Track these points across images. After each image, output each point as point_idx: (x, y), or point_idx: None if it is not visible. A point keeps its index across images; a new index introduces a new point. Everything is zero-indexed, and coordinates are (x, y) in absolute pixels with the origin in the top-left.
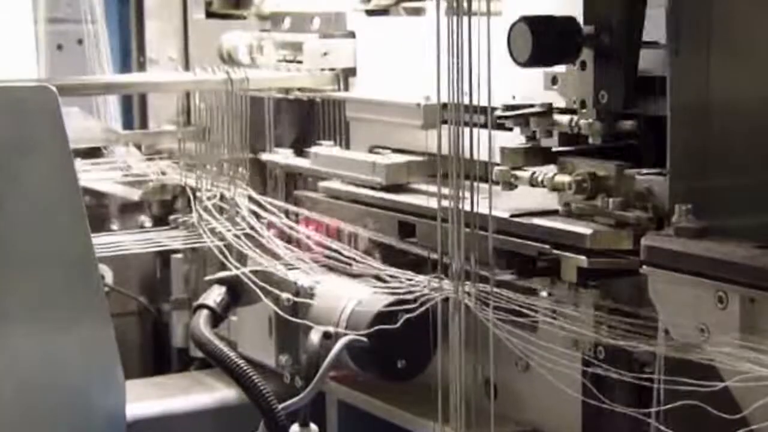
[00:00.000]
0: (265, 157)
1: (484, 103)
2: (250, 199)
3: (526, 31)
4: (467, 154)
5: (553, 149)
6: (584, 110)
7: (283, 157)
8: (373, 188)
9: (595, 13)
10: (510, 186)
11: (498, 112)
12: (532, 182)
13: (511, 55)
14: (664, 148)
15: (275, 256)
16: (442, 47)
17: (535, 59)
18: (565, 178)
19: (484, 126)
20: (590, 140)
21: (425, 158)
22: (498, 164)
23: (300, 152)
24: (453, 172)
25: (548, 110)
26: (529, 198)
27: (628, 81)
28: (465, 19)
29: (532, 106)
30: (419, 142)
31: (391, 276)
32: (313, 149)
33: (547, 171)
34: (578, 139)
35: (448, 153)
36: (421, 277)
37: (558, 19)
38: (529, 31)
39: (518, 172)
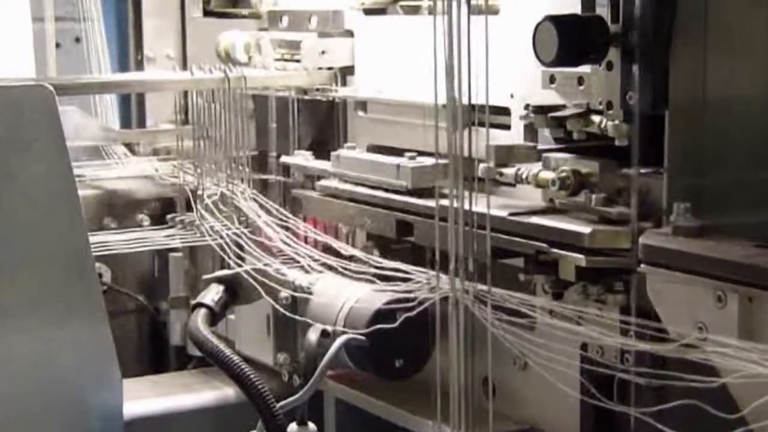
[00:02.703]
0: (283, 159)
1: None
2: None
3: (552, 30)
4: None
5: (539, 147)
6: (611, 111)
7: (303, 159)
8: (372, 187)
9: (623, 12)
10: (496, 183)
11: (522, 113)
12: (517, 179)
13: (537, 54)
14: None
15: (274, 255)
16: (441, 45)
17: (561, 59)
18: (548, 175)
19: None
20: (616, 142)
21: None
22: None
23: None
24: (452, 171)
25: (586, 111)
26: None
27: (657, 81)
28: (462, 17)
29: (564, 107)
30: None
31: (389, 275)
32: (336, 152)
33: (533, 168)
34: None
35: (448, 152)
36: (419, 276)
37: (584, 18)
38: (555, 30)
39: (504, 170)
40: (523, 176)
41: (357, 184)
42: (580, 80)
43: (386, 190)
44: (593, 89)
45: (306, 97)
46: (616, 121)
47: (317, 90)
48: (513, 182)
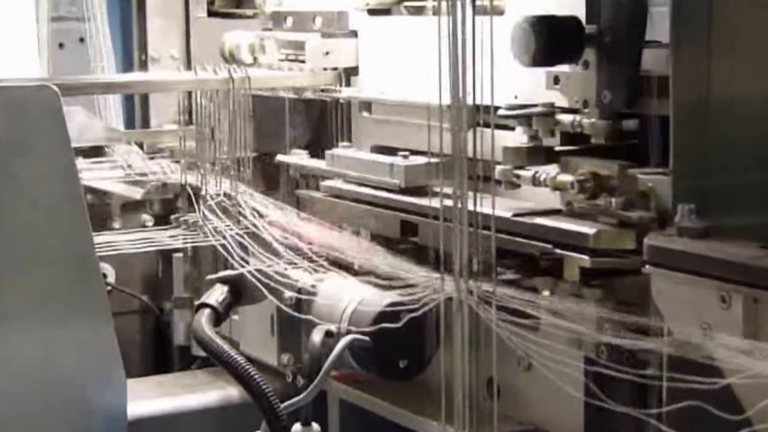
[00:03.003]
0: (279, 158)
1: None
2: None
3: (528, 30)
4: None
5: (556, 149)
6: (587, 110)
7: (298, 158)
8: (376, 188)
9: (598, 13)
10: (512, 185)
11: (500, 112)
12: (535, 182)
13: (514, 54)
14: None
15: (277, 255)
16: (446, 46)
17: (538, 59)
18: (567, 178)
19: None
20: (593, 140)
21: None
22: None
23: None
24: (457, 172)
25: (551, 110)
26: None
27: (631, 80)
28: (468, 18)
29: (535, 105)
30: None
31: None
32: (330, 151)
33: (550, 170)
34: (581, 138)
35: (453, 153)
36: (423, 277)
37: (560, 19)
38: (532, 30)
39: (521, 172)
40: (541, 179)
41: (360, 184)
42: (556, 79)
43: (389, 191)
44: (569, 88)
45: (309, 97)
46: (592, 119)
47: (322, 91)
48: (531, 185)
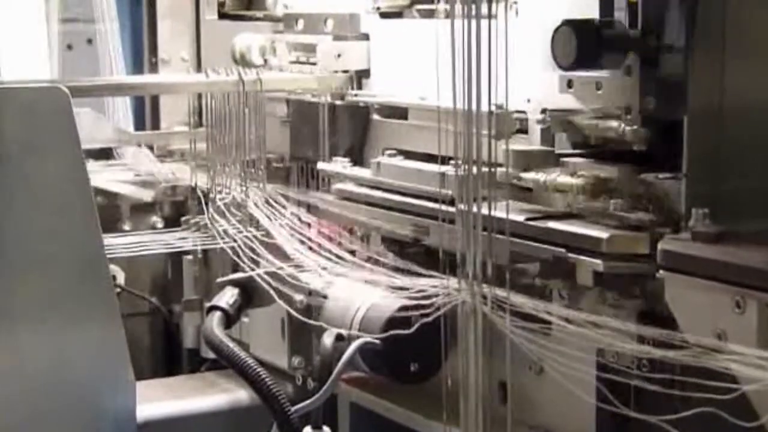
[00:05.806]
0: (320, 166)
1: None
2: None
3: (570, 34)
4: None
5: (557, 152)
6: (629, 116)
7: (340, 166)
8: (388, 191)
9: (641, 16)
10: (520, 189)
11: (538, 117)
12: (537, 184)
13: (555, 59)
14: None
15: (288, 258)
16: (459, 50)
17: (579, 63)
18: (569, 180)
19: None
20: (634, 147)
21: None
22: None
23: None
24: (470, 174)
25: (604, 116)
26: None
27: (676, 87)
28: (480, 21)
29: (581, 111)
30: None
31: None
32: (376, 159)
33: (552, 173)
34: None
35: (464, 156)
36: (435, 281)
37: (603, 23)
38: (574, 34)
39: (524, 174)
40: (542, 181)
41: (372, 187)
42: (598, 85)
43: (403, 194)
44: (611, 94)
45: (318, 101)
46: (634, 126)
47: (355, 95)
48: (532, 187)
